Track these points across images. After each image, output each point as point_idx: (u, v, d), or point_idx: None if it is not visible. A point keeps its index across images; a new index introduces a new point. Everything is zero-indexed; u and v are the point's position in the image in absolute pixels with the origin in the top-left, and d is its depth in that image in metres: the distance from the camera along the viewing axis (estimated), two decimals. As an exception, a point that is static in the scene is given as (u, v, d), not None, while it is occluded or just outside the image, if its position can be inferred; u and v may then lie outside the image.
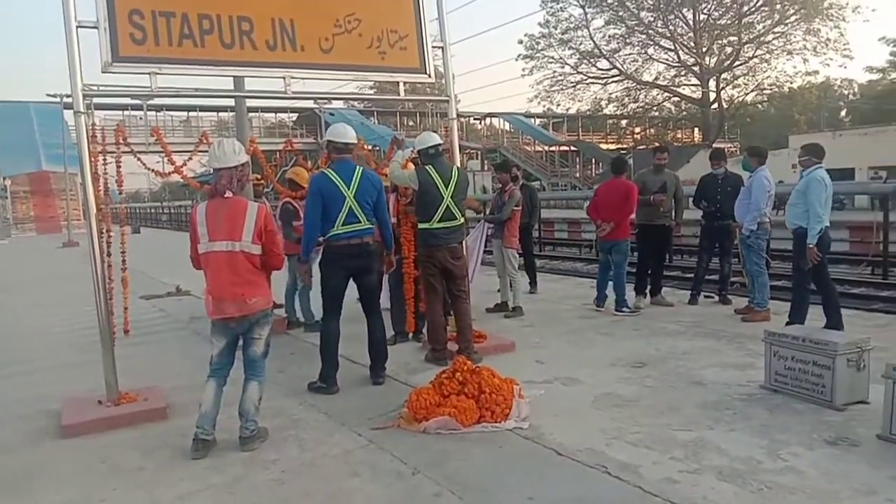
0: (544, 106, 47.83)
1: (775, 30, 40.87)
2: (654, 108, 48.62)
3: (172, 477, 3.66)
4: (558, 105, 48.15)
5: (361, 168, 5.25)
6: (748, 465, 3.49)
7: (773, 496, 3.14)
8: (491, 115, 54.53)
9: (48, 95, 27.49)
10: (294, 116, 50.44)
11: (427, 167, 5.69)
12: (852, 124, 45.17)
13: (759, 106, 47.99)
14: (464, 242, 5.98)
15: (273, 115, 50.41)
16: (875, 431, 3.79)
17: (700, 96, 44.05)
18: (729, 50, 42.42)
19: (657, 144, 9.36)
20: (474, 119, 56.12)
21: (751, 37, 41.13)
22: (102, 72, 4.58)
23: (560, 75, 45.63)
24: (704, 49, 42.38)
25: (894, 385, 3.63)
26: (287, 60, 5.37)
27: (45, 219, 37.95)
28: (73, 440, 4.28)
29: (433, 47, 6.12)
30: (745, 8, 40.50)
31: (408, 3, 6.02)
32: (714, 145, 37.39)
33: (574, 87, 46.17)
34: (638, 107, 47.51)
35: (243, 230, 3.92)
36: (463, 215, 5.81)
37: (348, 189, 5.02)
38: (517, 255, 7.95)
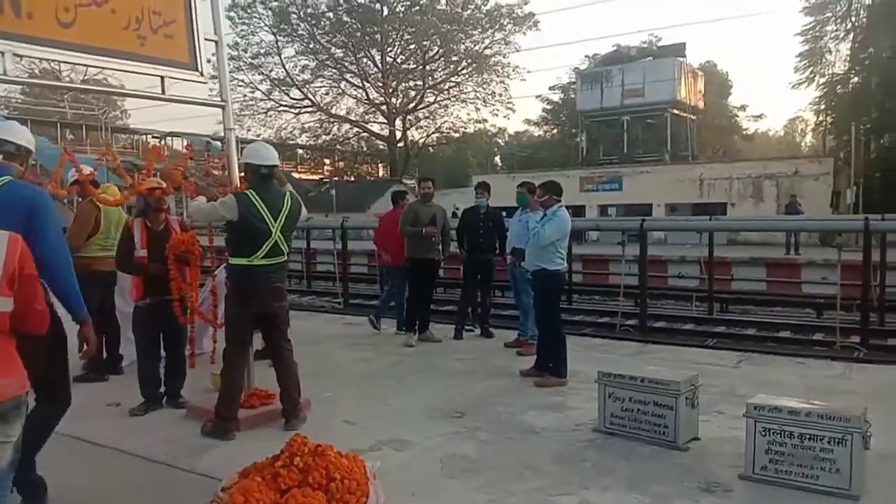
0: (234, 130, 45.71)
1: (452, 79, 45.08)
2: (346, 142, 49.85)
3: None
4: (249, 130, 46.39)
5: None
6: (655, 528, 3.19)
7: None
8: (173, 134, 50.27)
9: None
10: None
11: (250, 192, 4.52)
12: (505, 170, 50.77)
13: (431, 148, 52.01)
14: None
15: None
16: (731, 471, 3.81)
17: (388, 134, 46.34)
18: (413, 93, 45.50)
19: (423, 176, 9.38)
20: (153, 137, 51.13)
21: (431, 83, 44.68)
22: None
23: (251, 100, 44.21)
24: (391, 90, 44.77)
25: (755, 424, 3.68)
26: (7, 30, 3.83)
27: None
28: None
29: (206, 40, 4.97)
30: (427, 56, 43.91)
31: (173, -22, 4.79)
32: (402, 179, 39.69)
33: (266, 113, 45.12)
34: (331, 139, 48.25)
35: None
36: (289, 250, 4.72)
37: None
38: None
